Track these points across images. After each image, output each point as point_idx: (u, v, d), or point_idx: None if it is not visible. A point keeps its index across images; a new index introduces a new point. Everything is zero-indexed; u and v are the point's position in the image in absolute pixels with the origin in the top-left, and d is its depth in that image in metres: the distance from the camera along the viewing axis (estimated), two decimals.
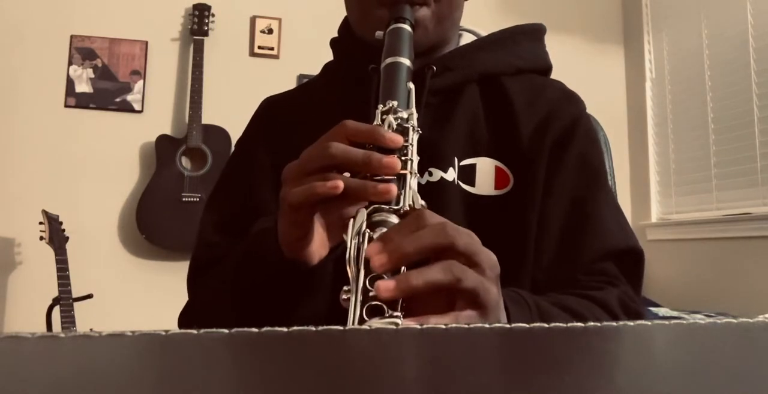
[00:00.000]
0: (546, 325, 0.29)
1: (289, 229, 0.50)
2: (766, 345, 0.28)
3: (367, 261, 0.41)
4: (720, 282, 2.27)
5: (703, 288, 2.36)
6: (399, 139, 0.48)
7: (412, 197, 0.47)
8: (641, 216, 2.72)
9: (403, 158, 0.48)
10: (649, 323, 0.31)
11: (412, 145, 0.50)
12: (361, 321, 0.40)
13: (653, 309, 2.23)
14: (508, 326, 0.30)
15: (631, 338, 0.29)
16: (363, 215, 0.44)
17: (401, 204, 0.46)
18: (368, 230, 0.44)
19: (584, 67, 2.76)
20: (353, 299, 0.41)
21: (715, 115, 2.40)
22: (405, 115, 0.52)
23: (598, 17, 2.94)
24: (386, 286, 0.39)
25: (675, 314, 2.17)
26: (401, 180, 0.47)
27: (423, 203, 0.47)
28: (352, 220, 0.45)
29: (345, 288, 0.42)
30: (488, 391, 0.18)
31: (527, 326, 0.29)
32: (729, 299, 2.21)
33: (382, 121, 0.52)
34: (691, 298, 2.37)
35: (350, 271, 0.42)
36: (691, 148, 2.51)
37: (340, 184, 0.44)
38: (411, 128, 0.51)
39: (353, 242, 0.43)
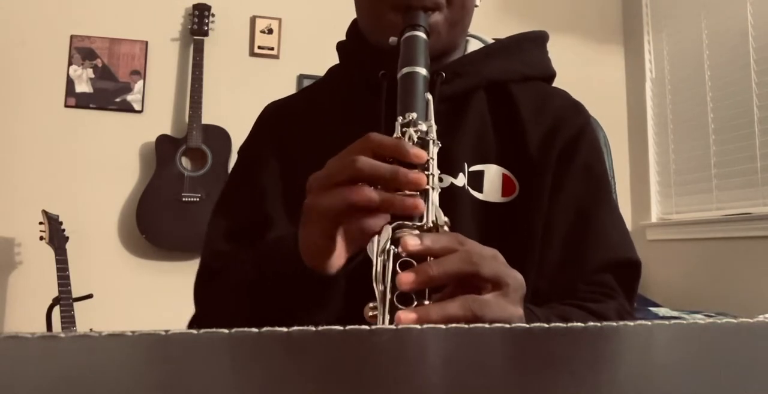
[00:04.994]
0: (546, 325, 0.29)
1: (314, 238, 0.50)
2: (766, 345, 0.28)
3: (393, 278, 0.42)
4: (720, 282, 2.27)
5: (703, 288, 2.35)
6: (423, 154, 0.48)
7: (435, 212, 0.47)
8: (641, 216, 2.72)
9: (425, 173, 0.48)
10: (649, 323, 0.31)
11: (433, 159, 0.50)
12: None
13: (653, 309, 2.23)
14: (507, 326, 0.30)
15: (631, 338, 0.29)
16: (388, 231, 0.45)
17: (425, 220, 0.46)
18: (393, 247, 0.44)
19: (584, 67, 2.76)
20: (380, 316, 0.42)
21: (715, 115, 2.40)
22: (425, 128, 0.52)
23: (598, 17, 2.94)
24: (407, 318, 0.41)
25: (675, 314, 2.17)
26: (424, 195, 0.47)
27: (446, 219, 0.48)
28: (376, 237, 0.45)
29: (371, 305, 0.43)
30: (488, 390, 0.18)
31: (527, 326, 0.29)
32: (729, 299, 2.21)
33: (403, 134, 0.52)
34: (691, 298, 2.37)
35: (377, 288, 0.43)
36: (691, 148, 2.51)
37: (375, 197, 0.45)
38: (431, 142, 0.51)
39: (379, 259, 0.44)
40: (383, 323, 0.42)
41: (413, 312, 0.41)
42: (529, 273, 0.66)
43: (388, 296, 0.42)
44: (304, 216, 0.50)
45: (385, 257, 0.44)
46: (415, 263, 0.43)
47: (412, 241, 0.43)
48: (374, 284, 0.43)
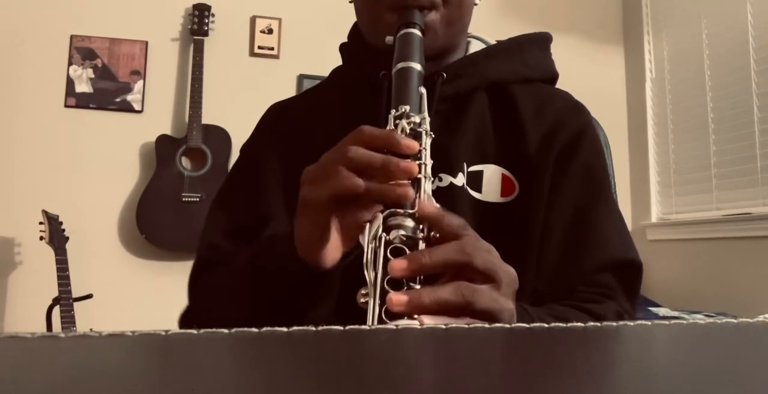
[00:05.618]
0: (546, 325, 0.29)
1: (307, 229, 0.50)
2: (766, 345, 0.28)
3: (385, 265, 0.43)
4: (720, 282, 2.27)
5: (703, 288, 2.35)
6: (414, 144, 0.48)
7: (426, 200, 0.48)
8: (641, 216, 2.72)
9: (417, 162, 0.49)
10: (649, 323, 0.31)
11: (426, 150, 0.51)
12: (381, 322, 0.41)
13: (653, 309, 2.23)
14: (508, 326, 0.30)
15: (631, 338, 0.29)
16: (379, 219, 0.45)
17: (416, 208, 0.47)
18: (384, 234, 0.45)
19: (584, 67, 2.76)
20: (371, 301, 0.42)
21: (715, 115, 2.40)
22: (417, 119, 0.53)
23: (598, 17, 2.94)
24: (398, 300, 0.40)
25: (675, 314, 2.17)
26: (416, 184, 0.48)
27: (438, 206, 0.48)
28: (368, 224, 0.46)
29: (362, 291, 0.44)
30: (488, 390, 0.18)
31: (527, 326, 0.29)
32: (729, 299, 2.21)
33: (395, 125, 0.52)
34: (691, 298, 2.37)
35: (368, 274, 0.43)
36: (691, 148, 2.51)
37: (361, 183, 0.46)
38: (424, 132, 0.52)
39: (370, 246, 0.44)
40: (374, 308, 0.42)
41: (405, 295, 0.41)
42: (528, 273, 0.66)
43: (379, 282, 0.43)
44: (299, 209, 0.50)
45: (376, 244, 0.44)
46: (407, 250, 0.44)
47: (429, 207, 0.45)
48: (365, 271, 0.43)
